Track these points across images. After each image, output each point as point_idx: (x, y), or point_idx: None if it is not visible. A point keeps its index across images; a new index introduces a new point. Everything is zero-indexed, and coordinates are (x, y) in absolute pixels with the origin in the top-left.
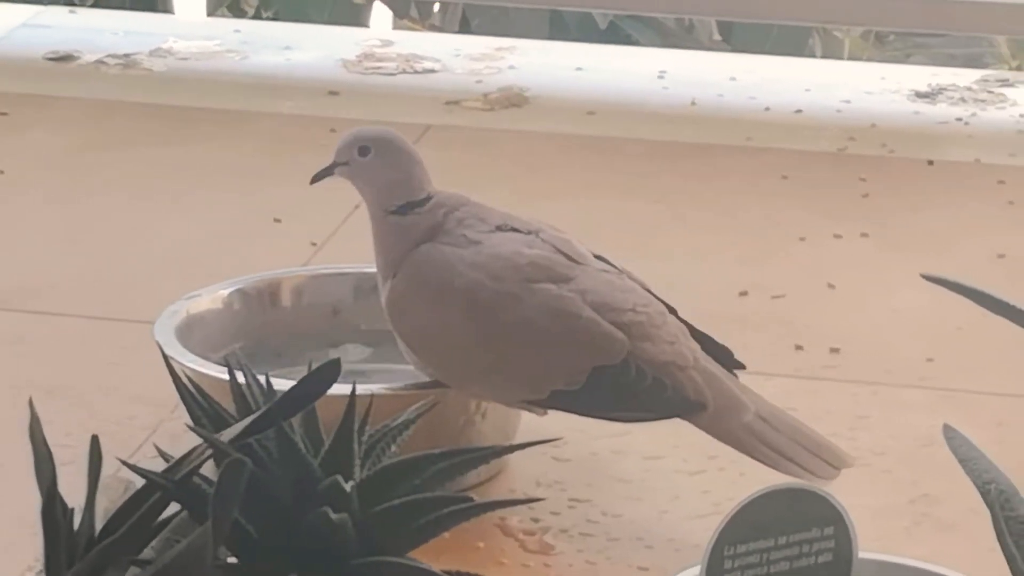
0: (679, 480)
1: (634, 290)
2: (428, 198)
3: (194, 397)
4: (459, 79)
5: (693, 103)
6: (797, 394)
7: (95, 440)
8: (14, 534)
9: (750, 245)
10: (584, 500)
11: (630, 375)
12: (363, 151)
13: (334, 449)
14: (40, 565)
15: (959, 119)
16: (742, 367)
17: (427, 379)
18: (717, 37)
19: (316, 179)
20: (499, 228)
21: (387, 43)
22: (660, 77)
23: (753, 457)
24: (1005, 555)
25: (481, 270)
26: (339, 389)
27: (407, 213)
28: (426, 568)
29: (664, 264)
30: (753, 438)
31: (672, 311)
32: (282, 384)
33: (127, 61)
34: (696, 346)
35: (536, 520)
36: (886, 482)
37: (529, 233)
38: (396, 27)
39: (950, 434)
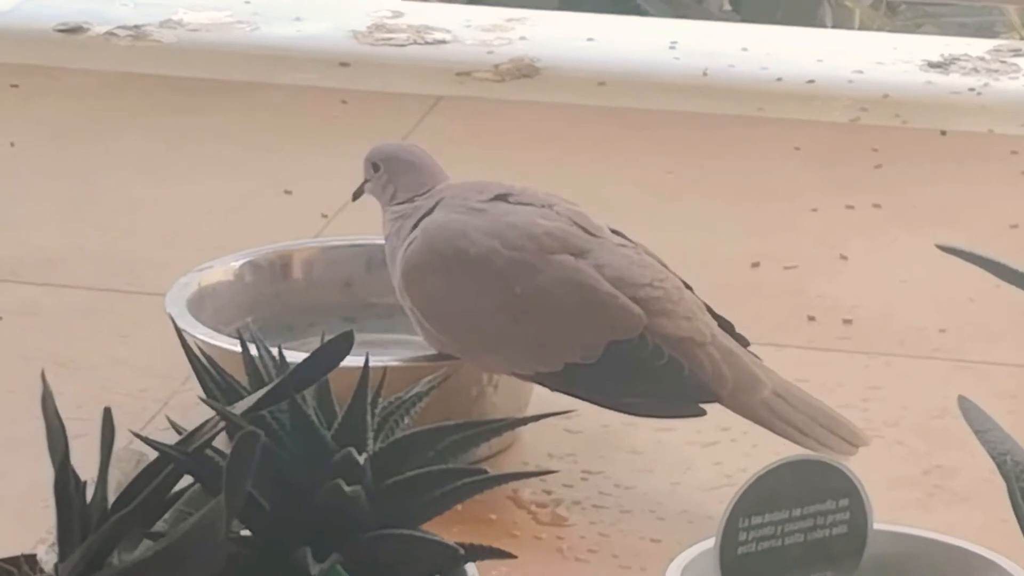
0: (691, 452)
1: (651, 265)
2: (431, 189)
3: (207, 369)
4: (470, 50)
5: (705, 74)
6: (810, 365)
7: (108, 413)
8: (26, 506)
9: (762, 216)
10: (596, 472)
11: (647, 350)
12: (375, 167)
13: (347, 421)
14: (53, 537)
15: (972, 89)
16: (746, 343)
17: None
18: (727, 7)
19: (355, 197)
20: (499, 196)
21: (397, 14)
22: (671, 48)
23: (771, 431)
24: (1021, 526)
25: (496, 238)
26: (352, 361)
27: (406, 202)
28: (439, 540)
29: (676, 235)
30: (771, 414)
31: (688, 288)
32: (295, 356)
33: (137, 33)
34: (713, 322)
35: (548, 492)
36: (899, 453)
37: (543, 206)
38: None
39: (965, 405)
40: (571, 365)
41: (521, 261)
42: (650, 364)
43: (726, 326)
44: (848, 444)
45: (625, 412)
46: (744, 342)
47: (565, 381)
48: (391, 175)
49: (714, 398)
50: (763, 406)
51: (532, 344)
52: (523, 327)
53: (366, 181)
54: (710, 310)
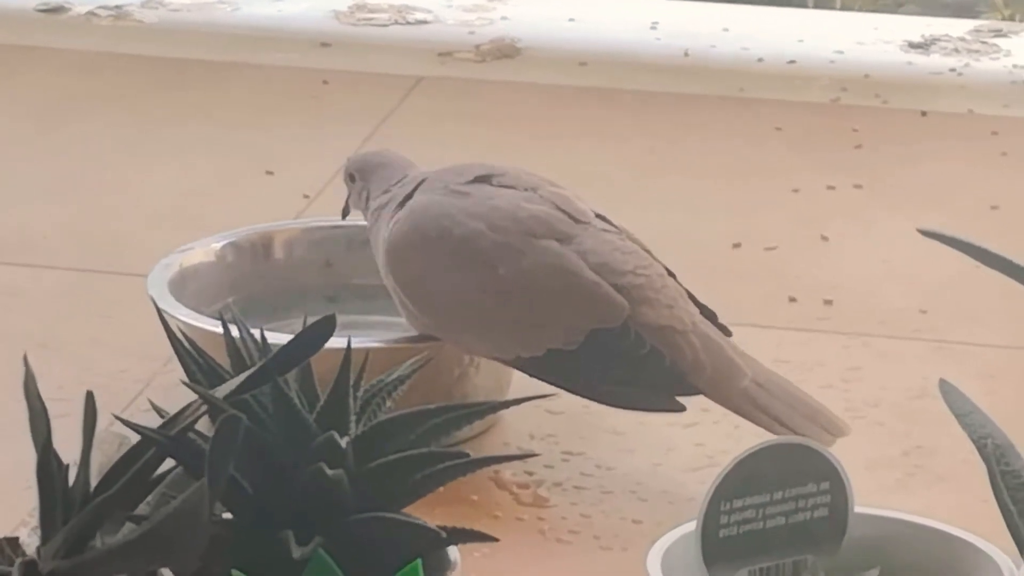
0: (673, 433)
1: (635, 252)
2: (404, 176)
3: (189, 352)
4: (451, 30)
5: (686, 54)
6: (790, 346)
7: (90, 397)
8: (8, 489)
9: (743, 197)
10: (578, 453)
11: (628, 339)
12: (352, 179)
13: (330, 404)
14: (35, 521)
15: (952, 70)
16: (729, 333)
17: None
18: None
19: (344, 215)
20: (479, 178)
21: None
22: (653, 28)
23: (751, 421)
24: (1001, 509)
25: (481, 220)
26: (335, 343)
27: (382, 194)
28: (421, 523)
29: (657, 216)
30: (750, 404)
31: (671, 275)
32: (277, 338)
33: (118, 12)
34: (695, 310)
35: (530, 473)
36: (879, 434)
37: (526, 190)
38: None
39: (946, 388)
40: (553, 351)
41: (505, 244)
42: (631, 354)
43: (709, 315)
44: (827, 434)
45: (604, 403)
46: (727, 332)
47: (546, 367)
48: (365, 180)
49: (694, 391)
50: (742, 395)
51: (514, 327)
52: (505, 310)
53: (348, 196)
54: (693, 298)
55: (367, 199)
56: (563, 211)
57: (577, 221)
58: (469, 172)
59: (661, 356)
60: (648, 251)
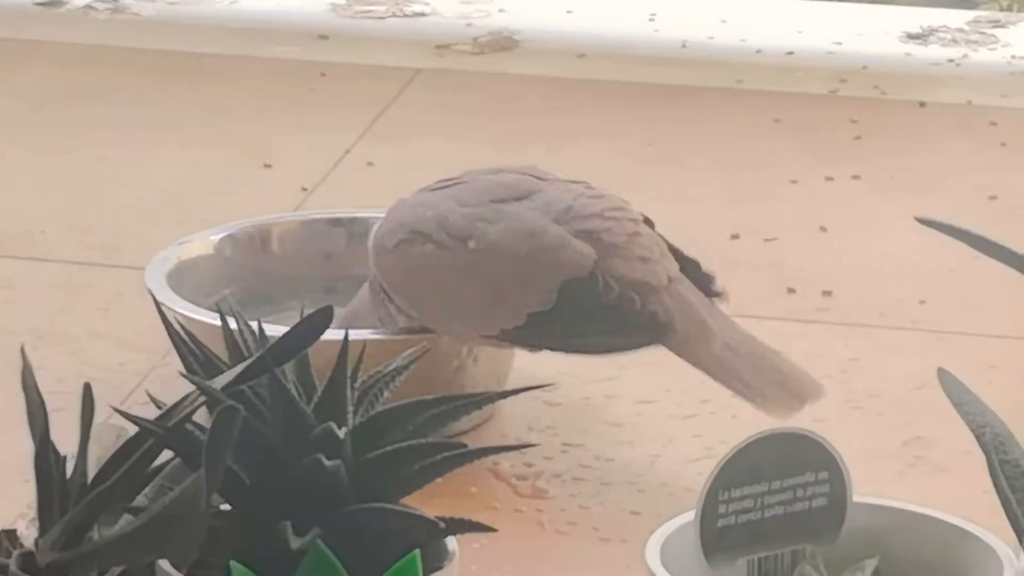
0: (671, 424)
1: (605, 197)
2: None
3: (186, 344)
4: (449, 23)
5: (684, 45)
6: (790, 337)
7: (88, 388)
8: (5, 481)
9: (742, 188)
10: (576, 444)
11: (597, 287)
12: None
13: (327, 396)
14: (33, 513)
15: (951, 60)
16: (718, 295)
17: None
18: None
19: None
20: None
21: None
22: (651, 19)
23: (720, 384)
24: (1000, 499)
25: (452, 199)
26: (332, 335)
27: None
28: (420, 514)
29: (655, 207)
30: (719, 366)
31: (649, 223)
32: (274, 330)
33: (116, 6)
34: (674, 265)
35: (529, 465)
36: (879, 425)
37: (500, 172)
38: None
39: (945, 378)
40: (533, 315)
41: (473, 215)
42: (602, 300)
43: (692, 264)
44: (795, 399)
45: (590, 353)
46: (709, 279)
47: (530, 334)
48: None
49: (669, 329)
50: (712, 359)
51: (493, 300)
52: (480, 284)
53: None
54: (674, 249)
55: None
56: (529, 175)
57: (541, 180)
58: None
59: (631, 299)
60: (625, 201)
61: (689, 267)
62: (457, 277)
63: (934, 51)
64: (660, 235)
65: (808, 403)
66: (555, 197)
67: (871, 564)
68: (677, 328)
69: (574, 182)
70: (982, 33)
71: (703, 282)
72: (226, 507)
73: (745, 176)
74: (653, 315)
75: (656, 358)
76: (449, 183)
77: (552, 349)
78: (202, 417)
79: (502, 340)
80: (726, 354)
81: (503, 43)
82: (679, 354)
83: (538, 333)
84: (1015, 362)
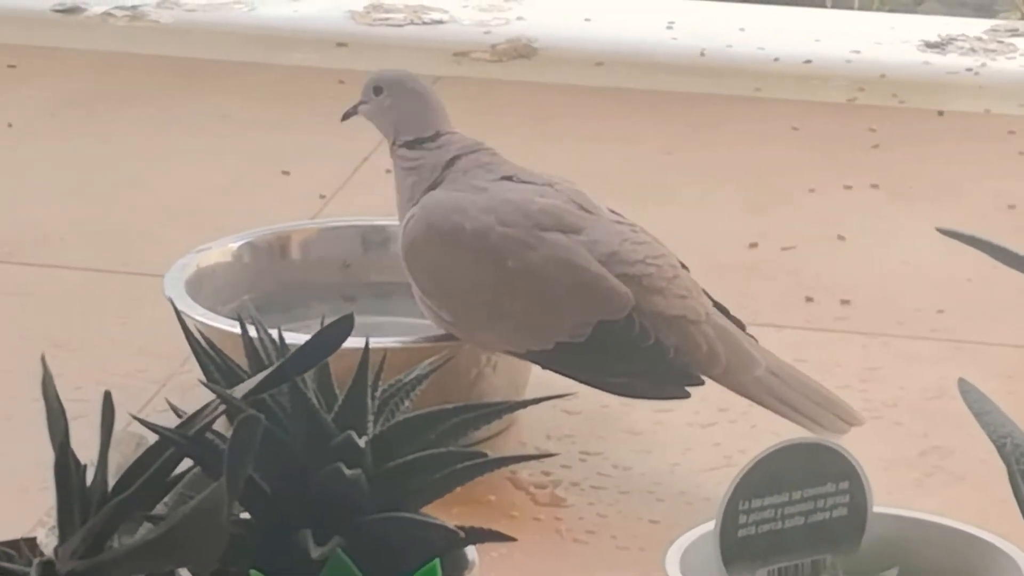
0: (690, 433)
1: (647, 243)
2: (437, 135)
3: (206, 352)
4: (467, 30)
5: (702, 54)
6: (808, 346)
7: (108, 397)
8: (26, 489)
9: (760, 196)
10: (595, 453)
11: (633, 331)
12: (377, 91)
13: (348, 404)
14: (53, 521)
15: (969, 69)
16: (743, 326)
17: (439, 332)
18: None
19: (344, 117)
20: (505, 178)
21: None
22: (669, 28)
23: (767, 409)
24: (1020, 508)
25: (492, 214)
26: (352, 343)
27: (414, 148)
28: (439, 523)
29: (674, 215)
30: (766, 393)
31: (684, 268)
32: (294, 338)
33: (134, 13)
34: (708, 302)
35: (547, 473)
36: (897, 434)
37: (543, 184)
38: None
39: (965, 387)
40: (561, 344)
41: (514, 237)
42: (636, 345)
43: (721, 309)
44: (842, 422)
45: (613, 392)
46: (740, 324)
47: (557, 360)
48: (395, 101)
49: (699, 381)
50: (757, 384)
51: (523, 321)
52: (514, 303)
53: (361, 103)
54: (705, 293)
55: (395, 126)
56: (576, 203)
57: (588, 213)
58: (497, 171)
59: (665, 349)
60: (661, 245)
61: (721, 311)
62: (492, 293)
63: (952, 60)
64: (694, 280)
65: (854, 427)
66: (601, 237)
67: (891, 574)
68: (721, 356)
69: (619, 222)
70: (1000, 42)
71: (735, 324)
72: (246, 516)
73: (763, 184)
74: (685, 363)
75: None
76: (488, 180)
77: (578, 380)
78: (222, 426)
79: (527, 359)
80: (771, 379)
81: (521, 51)
82: (724, 383)
83: (565, 361)
84: None
